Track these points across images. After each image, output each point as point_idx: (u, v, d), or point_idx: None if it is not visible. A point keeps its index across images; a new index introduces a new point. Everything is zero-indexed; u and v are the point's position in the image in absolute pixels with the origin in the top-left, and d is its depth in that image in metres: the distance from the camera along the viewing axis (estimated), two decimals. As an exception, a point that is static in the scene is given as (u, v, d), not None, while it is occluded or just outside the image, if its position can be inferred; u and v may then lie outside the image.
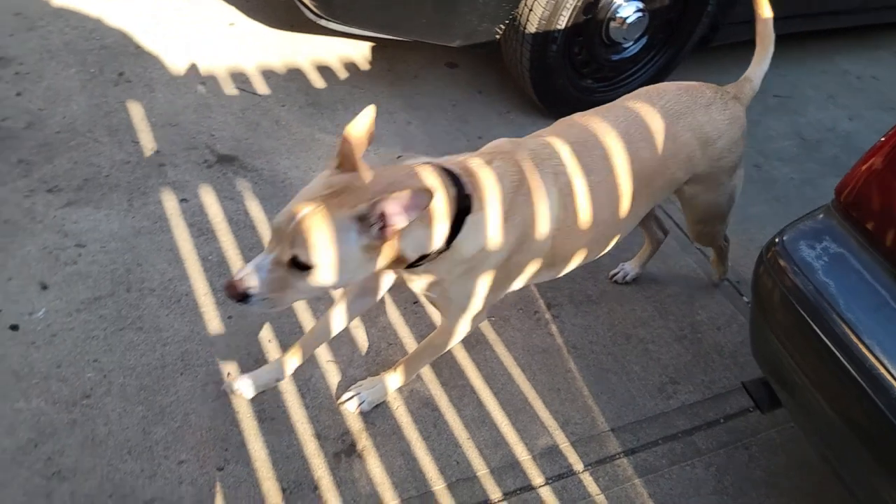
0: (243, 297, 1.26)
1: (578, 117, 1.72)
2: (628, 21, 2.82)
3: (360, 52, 3.16)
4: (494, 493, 1.73)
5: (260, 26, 3.16)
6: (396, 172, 1.35)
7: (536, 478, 1.78)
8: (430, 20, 2.56)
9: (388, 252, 1.33)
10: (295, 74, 2.95)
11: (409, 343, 2.02)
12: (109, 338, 1.84)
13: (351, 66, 3.07)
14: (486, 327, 2.13)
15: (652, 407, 2.01)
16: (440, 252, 1.41)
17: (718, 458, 1.90)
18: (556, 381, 2.03)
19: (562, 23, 2.65)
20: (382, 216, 1.24)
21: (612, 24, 2.83)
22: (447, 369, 1.99)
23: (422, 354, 1.80)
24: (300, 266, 1.25)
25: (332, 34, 3.10)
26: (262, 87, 2.82)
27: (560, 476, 1.80)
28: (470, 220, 1.40)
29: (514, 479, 1.77)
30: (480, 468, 1.78)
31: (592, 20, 2.79)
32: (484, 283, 1.55)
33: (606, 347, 2.16)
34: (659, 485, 1.81)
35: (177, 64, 2.83)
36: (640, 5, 2.83)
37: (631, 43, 2.97)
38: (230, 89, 2.78)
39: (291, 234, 1.23)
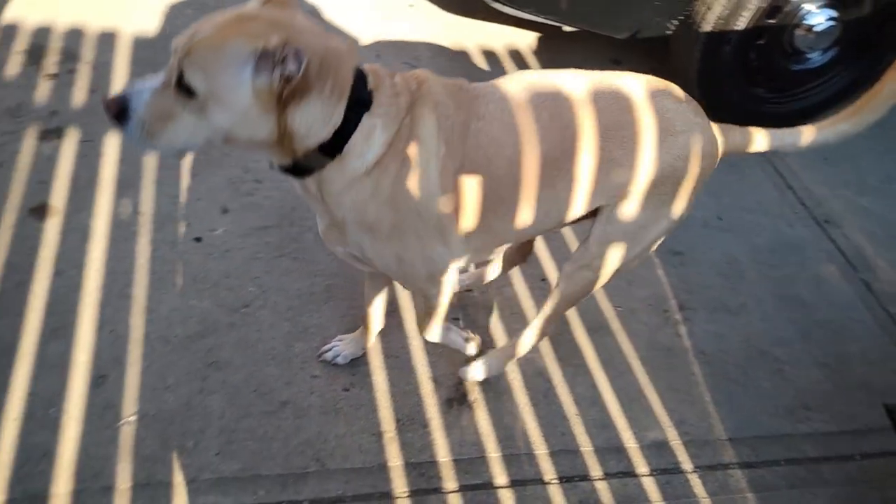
0: (120, 114, 1.13)
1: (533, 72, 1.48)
2: (817, 29, 2.65)
3: (525, 42, 3.25)
4: (595, 470, 1.73)
5: (436, 9, 3.35)
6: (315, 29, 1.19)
7: (641, 466, 1.76)
8: (601, 9, 2.58)
9: (282, 116, 1.15)
10: (461, 57, 3.10)
11: (531, 315, 2.07)
12: (271, 261, 2.08)
13: (515, 55, 3.16)
14: (610, 315, 2.12)
15: (777, 427, 1.90)
16: (332, 153, 1.22)
17: (845, 493, 1.75)
18: (676, 381, 1.97)
19: (741, 24, 2.55)
20: (286, 62, 1.08)
21: (798, 31, 2.67)
22: (565, 346, 2.01)
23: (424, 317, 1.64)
24: (187, 91, 1.11)
25: (501, 21, 3.22)
26: (429, 66, 3.00)
27: (666, 471, 1.75)
28: (366, 118, 1.22)
29: (618, 463, 1.76)
30: (585, 444, 1.78)
31: (776, 24, 2.65)
32: (392, 236, 1.34)
33: (737, 359, 2.06)
34: (772, 503, 1.71)
35: (357, 37, 3.09)
36: (834, 14, 2.64)
37: (817, 54, 2.78)
38: (399, 64, 2.98)
39: (184, 52, 1.11)
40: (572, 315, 2.10)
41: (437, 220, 1.34)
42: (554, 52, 3.18)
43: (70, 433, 1.62)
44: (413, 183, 1.29)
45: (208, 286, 1.98)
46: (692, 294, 2.23)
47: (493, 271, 2.07)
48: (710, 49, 2.62)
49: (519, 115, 1.34)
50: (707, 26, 2.56)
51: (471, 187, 1.33)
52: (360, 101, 1.20)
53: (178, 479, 1.58)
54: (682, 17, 2.63)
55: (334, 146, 1.21)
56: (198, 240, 2.10)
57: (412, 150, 1.26)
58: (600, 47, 3.17)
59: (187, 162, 2.34)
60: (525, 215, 1.42)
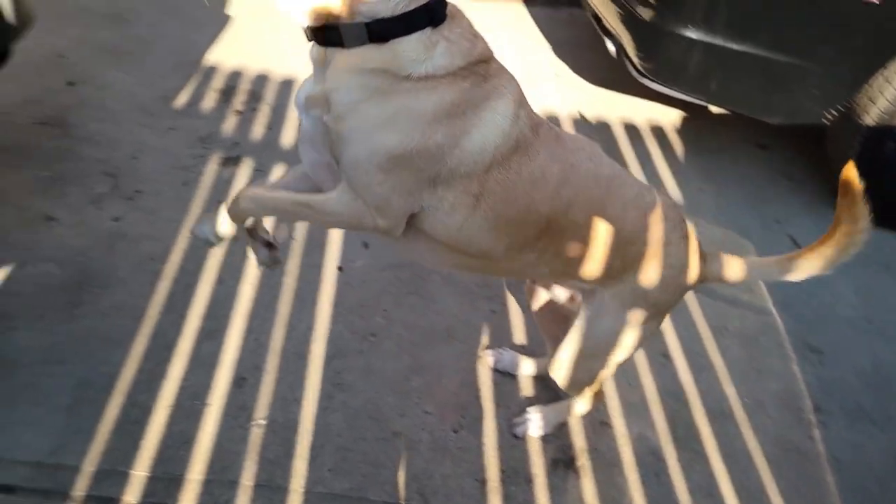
0: None
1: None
2: None
3: (669, 119, 3.26)
4: (704, 564, 1.63)
5: (581, 81, 3.47)
6: None
7: (756, 571, 1.63)
8: (754, 92, 2.56)
9: None
10: (603, 128, 3.17)
11: (650, 388, 2.02)
12: (399, 297, 2.21)
13: (657, 130, 3.19)
14: (735, 403, 2.02)
15: (924, 561, 1.69)
16: (374, 37, 1.18)
17: None
18: (805, 487, 1.83)
19: (908, 120, 2.43)
20: None
21: (975, 132, 2.49)
22: (683, 428, 1.93)
23: (291, 204, 1.39)
24: None
25: (645, 97, 3.27)
26: (570, 132, 3.10)
27: (785, 582, 1.61)
28: (430, 31, 1.20)
29: (730, 562, 1.64)
30: (695, 535, 1.69)
31: (950, 123, 2.49)
32: (391, 128, 1.22)
33: (878, 475, 1.88)
34: None
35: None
36: None
37: None
38: (543, 129, 3.10)
39: None
40: (693, 397, 2.03)
41: (453, 174, 1.26)
42: (697, 131, 3.17)
43: (208, 426, 1.78)
44: (464, 129, 1.23)
45: (343, 311, 2.14)
46: (830, 396, 2.07)
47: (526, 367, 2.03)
48: (871, 143, 2.51)
49: (574, 177, 1.37)
50: (869, 119, 2.46)
51: (502, 188, 1.29)
52: (432, 13, 1.19)
53: (295, 487, 1.68)
54: (841, 108, 2.54)
55: (384, 30, 1.17)
56: (340, 269, 2.28)
57: (481, 104, 1.25)
58: (747, 130, 3.12)
59: (339, 198, 2.56)
60: (511, 244, 1.38)
